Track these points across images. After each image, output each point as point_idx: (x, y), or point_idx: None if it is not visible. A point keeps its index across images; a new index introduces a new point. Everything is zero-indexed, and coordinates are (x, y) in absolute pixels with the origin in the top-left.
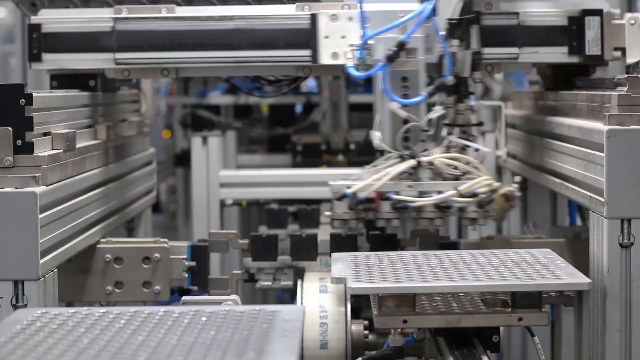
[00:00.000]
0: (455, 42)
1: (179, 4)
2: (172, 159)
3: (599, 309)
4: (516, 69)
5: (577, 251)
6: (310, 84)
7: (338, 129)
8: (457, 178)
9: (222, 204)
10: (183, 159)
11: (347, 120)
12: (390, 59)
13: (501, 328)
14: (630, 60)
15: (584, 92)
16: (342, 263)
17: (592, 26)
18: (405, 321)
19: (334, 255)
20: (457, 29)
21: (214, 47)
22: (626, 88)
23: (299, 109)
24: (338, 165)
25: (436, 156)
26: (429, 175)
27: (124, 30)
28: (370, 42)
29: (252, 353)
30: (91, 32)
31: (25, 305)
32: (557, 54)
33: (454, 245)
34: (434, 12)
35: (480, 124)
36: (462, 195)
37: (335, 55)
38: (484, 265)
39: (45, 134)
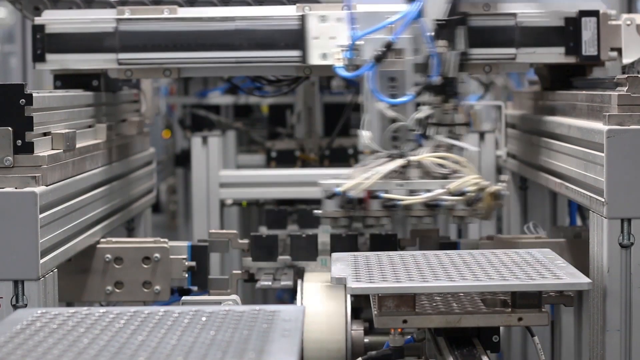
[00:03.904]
0: (442, 42)
1: (180, 5)
2: (172, 159)
3: (599, 309)
4: (514, 69)
5: (577, 251)
6: None
7: (312, 134)
8: (445, 177)
9: (222, 204)
10: (183, 159)
11: (322, 125)
12: (378, 59)
13: (501, 328)
14: (626, 60)
15: (583, 92)
16: (342, 263)
17: (588, 27)
18: (405, 321)
19: (334, 255)
20: (444, 29)
21: (215, 48)
22: (626, 88)
23: None
24: (311, 165)
25: (425, 155)
26: (417, 174)
27: (126, 31)
28: (358, 42)
29: (252, 353)
30: (94, 33)
31: (25, 305)
32: (554, 55)
33: (454, 245)
34: (421, 13)
35: (466, 123)
36: (450, 194)
37: (324, 56)
38: (484, 265)
39: (45, 134)
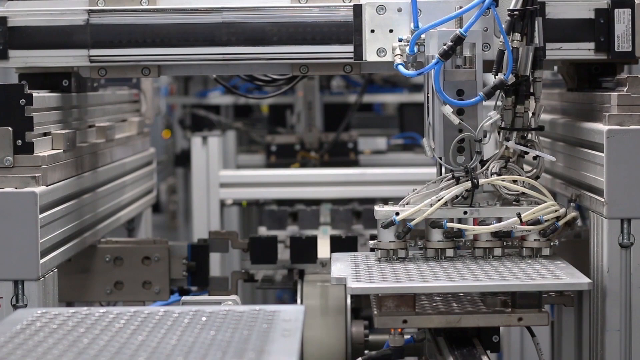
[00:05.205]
0: (517, 36)
1: None
2: (172, 159)
3: (599, 309)
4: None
5: (577, 251)
6: None
7: (312, 128)
8: (517, 200)
9: (222, 204)
10: (183, 159)
11: (322, 120)
12: (446, 55)
13: (501, 328)
14: None
15: (584, 92)
16: (342, 263)
17: (622, 19)
18: (405, 321)
19: (334, 255)
20: (520, 21)
21: (199, 43)
22: (626, 88)
23: None
24: (312, 163)
25: (494, 179)
26: (485, 196)
27: (99, 24)
28: (421, 36)
29: (252, 353)
30: (63, 26)
31: (25, 305)
32: (583, 51)
33: None
34: (495, 1)
35: (541, 128)
36: (524, 223)
37: (382, 50)
38: (483, 266)
39: (45, 134)
